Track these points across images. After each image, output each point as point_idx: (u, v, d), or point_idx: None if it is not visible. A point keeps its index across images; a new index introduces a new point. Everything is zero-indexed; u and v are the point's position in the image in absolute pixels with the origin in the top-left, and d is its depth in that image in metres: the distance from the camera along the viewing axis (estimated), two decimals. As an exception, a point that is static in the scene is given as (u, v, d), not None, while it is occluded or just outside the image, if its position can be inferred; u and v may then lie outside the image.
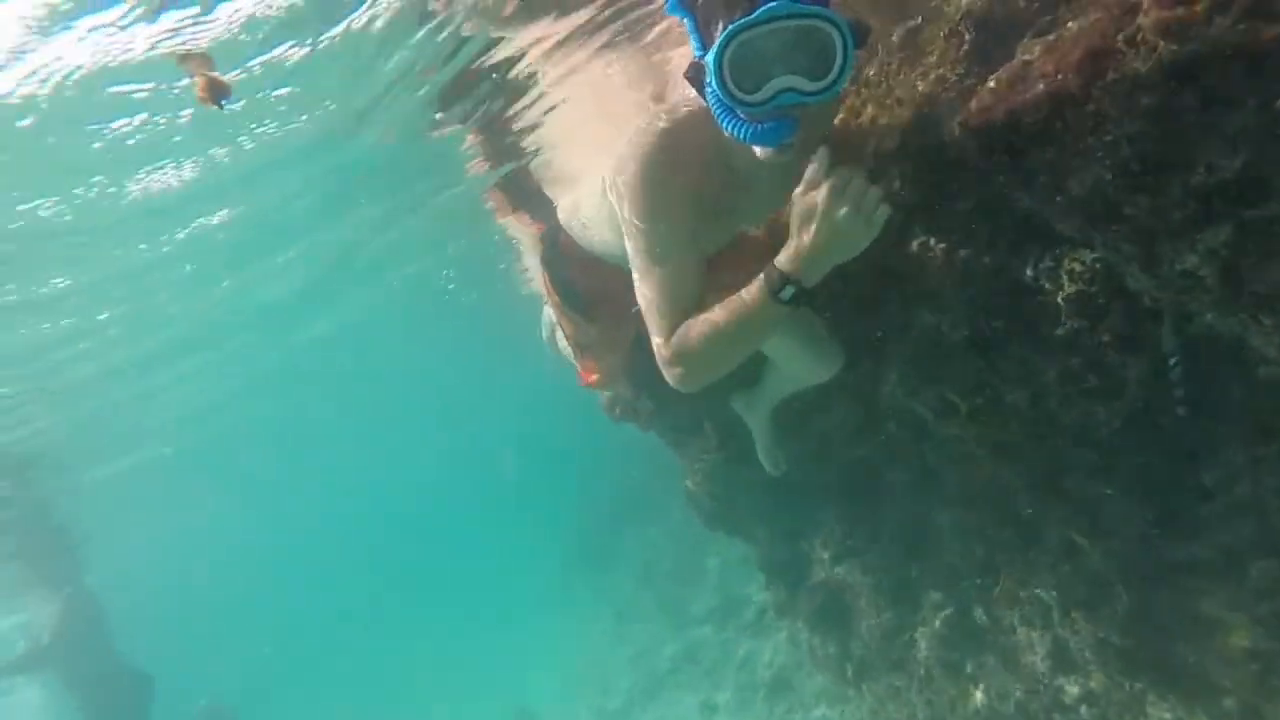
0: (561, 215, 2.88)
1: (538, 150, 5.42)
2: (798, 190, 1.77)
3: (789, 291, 1.77)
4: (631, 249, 2.02)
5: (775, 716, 6.11)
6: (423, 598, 22.13)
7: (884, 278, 2.66)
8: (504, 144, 5.26)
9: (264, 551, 28.77)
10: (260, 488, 22.06)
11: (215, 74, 2.96)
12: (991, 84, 1.66)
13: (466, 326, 15.17)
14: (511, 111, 4.64)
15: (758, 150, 1.73)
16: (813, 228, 1.71)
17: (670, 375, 2.04)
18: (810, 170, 1.74)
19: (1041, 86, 1.51)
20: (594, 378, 3.28)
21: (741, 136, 1.64)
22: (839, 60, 1.51)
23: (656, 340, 2.02)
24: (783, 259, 1.78)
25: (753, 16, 1.46)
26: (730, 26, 1.48)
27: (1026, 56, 1.63)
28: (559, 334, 3.89)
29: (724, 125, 1.65)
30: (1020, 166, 1.69)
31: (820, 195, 1.70)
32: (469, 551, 22.41)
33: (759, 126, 1.61)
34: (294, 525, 28.39)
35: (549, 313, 4.23)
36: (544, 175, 6.02)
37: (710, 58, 1.54)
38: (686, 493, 4.64)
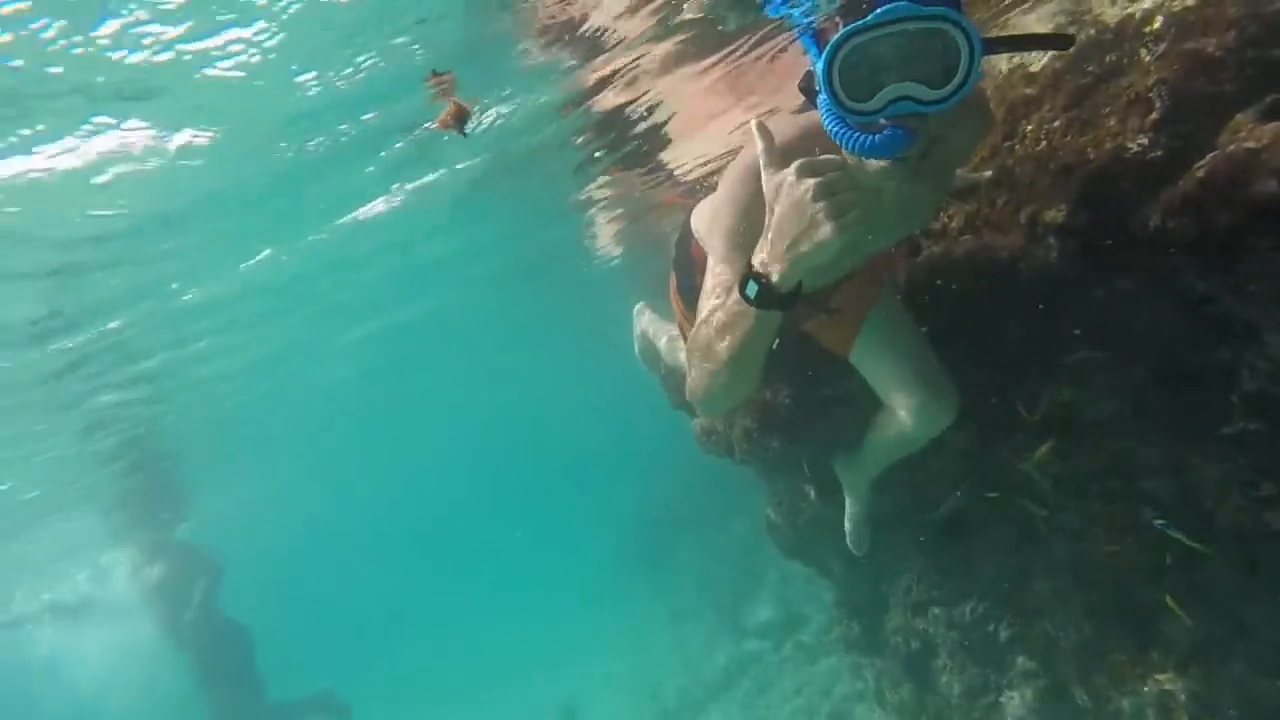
0: (694, 219, 2.78)
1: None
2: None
3: (753, 288, 1.55)
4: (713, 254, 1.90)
5: (832, 748, 5.99)
6: (478, 589, 22.44)
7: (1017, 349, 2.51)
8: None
9: (336, 531, 29.51)
10: (340, 465, 22.55)
11: (460, 100, 3.01)
12: (1202, 175, 1.50)
13: (548, 319, 15.23)
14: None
15: (869, 165, 1.56)
16: (778, 211, 1.50)
17: (691, 397, 1.97)
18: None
19: (1275, 186, 1.35)
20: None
21: (851, 148, 1.48)
22: (963, 67, 1.37)
23: None
24: (756, 251, 1.59)
25: (869, 19, 1.34)
26: (845, 29, 1.37)
27: (1249, 143, 1.46)
28: (665, 342, 3.80)
29: (834, 135, 1.50)
30: (1227, 268, 1.53)
31: (787, 175, 1.49)
32: (528, 546, 22.59)
33: (871, 138, 1.46)
34: (368, 509, 29.07)
35: (644, 324, 4.13)
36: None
37: (821, 62, 1.43)
38: (767, 520, 4.55)
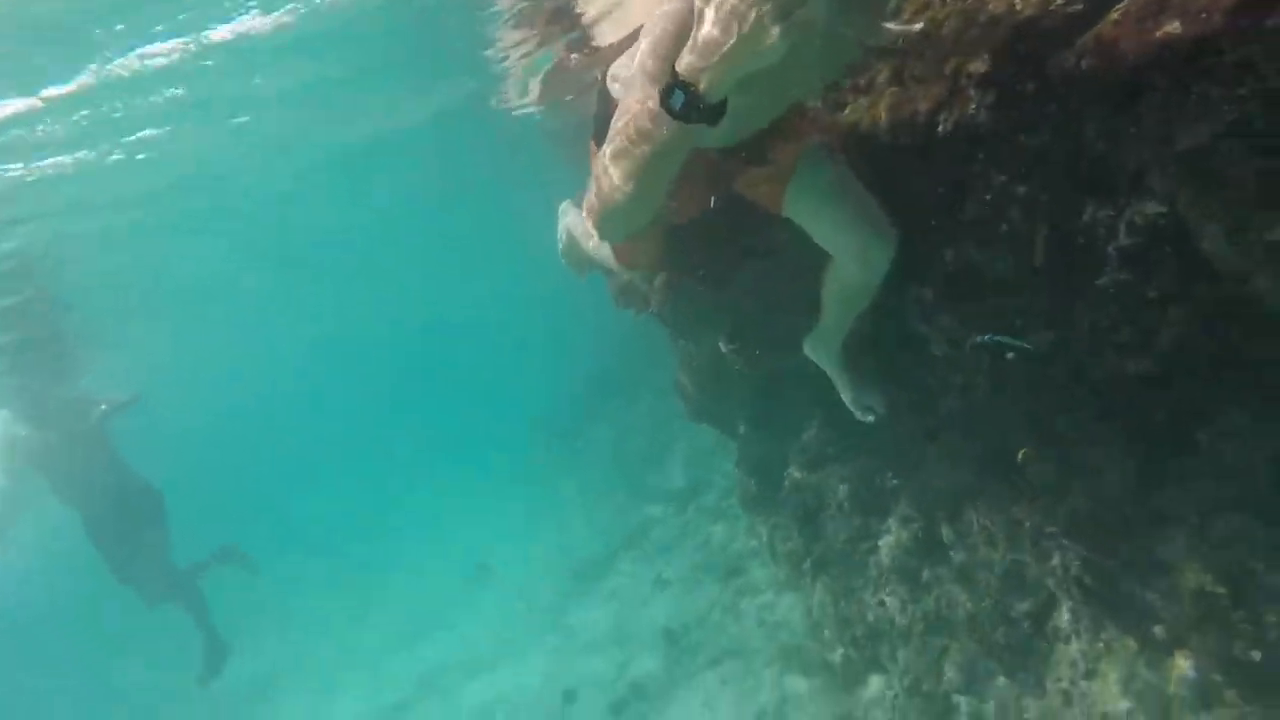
0: (612, 71, 2.65)
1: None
2: None
3: (678, 98, 1.47)
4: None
5: (725, 596, 6.51)
6: (393, 461, 22.55)
7: (929, 203, 2.62)
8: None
9: (250, 393, 28.62)
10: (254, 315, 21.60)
11: None
12: (1116, 16, 1.58)
13: (464, 185, 14.59)
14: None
15: None
16: (712, 14, 1.39)
17: (589, 216, 1.89)
18: None
19: (1179, 26, 1.43)
20: (627, 255, 3.01)
21: None
22: None
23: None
24: (680, 57, 1.48)
25: None
26: None
27: (1161, -12, 1.53)
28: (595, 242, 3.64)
29: None
30: (1128, 109, 1.64)
31: None
32: (443, 416, 22.67)
33: None
34: (284, 375, 28.20)
35: (568, 222, 3.92)
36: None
37: None
38: (676, 384, 4.72)
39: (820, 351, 3.05)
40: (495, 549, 11.50)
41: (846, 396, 3.13)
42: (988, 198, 2.30)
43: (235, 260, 12.32)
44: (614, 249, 2.90)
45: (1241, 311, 2.12)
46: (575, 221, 3.81)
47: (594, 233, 3.39)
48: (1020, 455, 2.98)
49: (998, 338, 2.57)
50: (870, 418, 3.12)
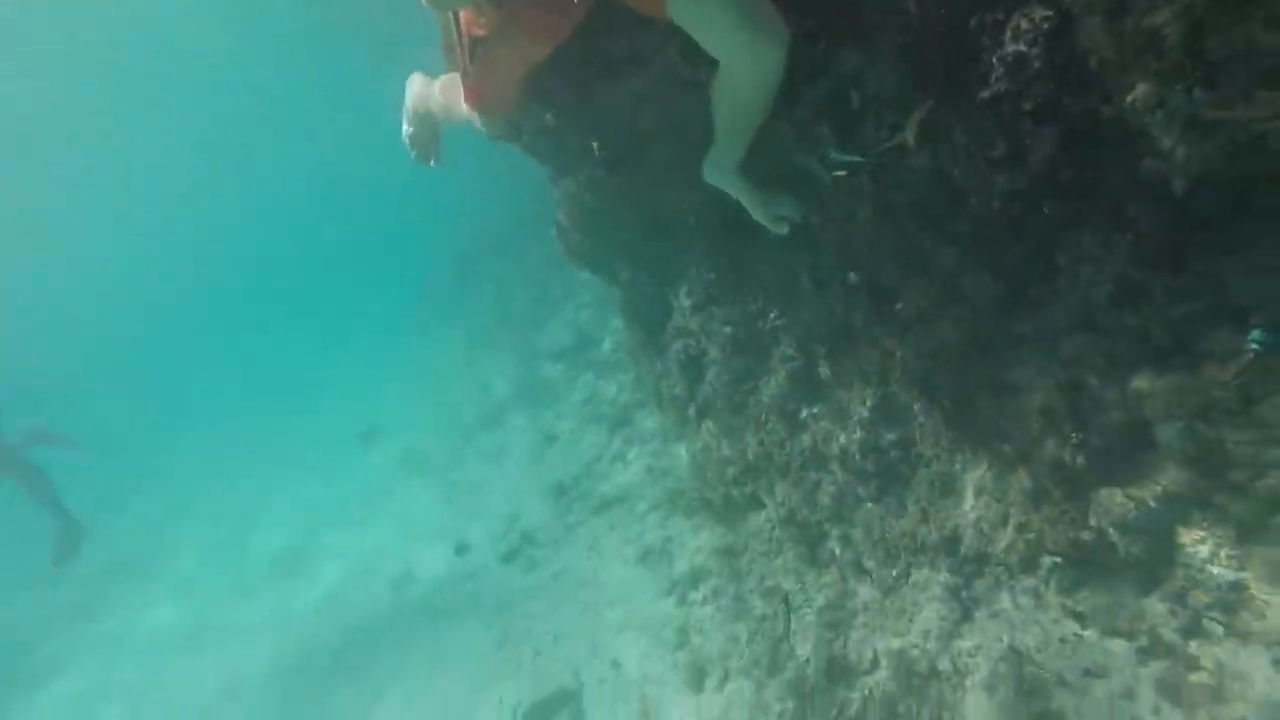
0: None
1: None
2: None
3: None
4: None
5: (612, 446, 6.64)
6: (279, 320, 21.50)
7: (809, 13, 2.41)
8: None
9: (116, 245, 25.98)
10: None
11: None
12: None
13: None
14: None
15: None
16: None
17: None
18: None
19: None
20: (483, 94, 2.70)
21: None
22: None
23: None
24: None
25: None
26: None
27: None
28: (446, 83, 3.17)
29: None
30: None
31: None
32: (329, 278, 21.67)
33: None
34: (145, 221, 25.56)
35: (416, 89, 3.35)
36: None
37: None
38: (557, 227, 4.48)
39: (720, 175, 2.83)
40: (383, 411, 11.28)
41: (756, 213, 2.93)
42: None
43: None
44: (467, 91, 2.56)
45: (1105, 132, 2.10)
46: (422, 90, 3.30)
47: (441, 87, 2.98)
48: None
49: (840, 156, 2.47)
50: (784, 229, 2.96)
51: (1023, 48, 2.02)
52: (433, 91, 3.19)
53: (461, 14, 2.31)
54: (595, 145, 3.25)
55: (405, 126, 3.36)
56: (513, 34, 2.33)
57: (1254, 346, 1.98)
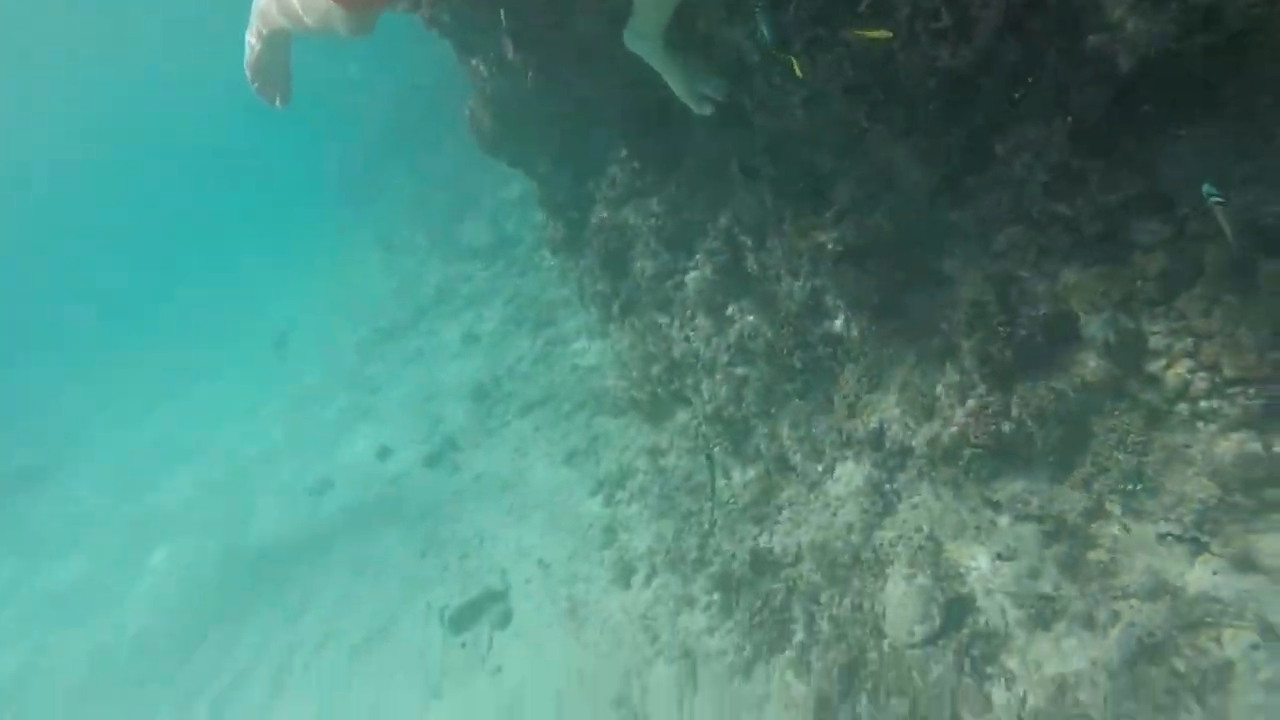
0: None
1: None
2: None
3: None
4: None
5: (536, 346, 6.46)
6: (181, 234, 19.99)
7: None
8: None
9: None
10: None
11: None
12: None
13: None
14: None
15: None
16: None
17: None
18: None
19: None
20: None
21: None
22: None
23: None
24: None
25: None
26: None
27: None
28: None
29: None
30: None
31: None
32: (238, 179, 20.11)
33: None
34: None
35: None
36: None
37: None
38: (469, 114, 4.11)
39: (640, 41, 2.57)
40: (297, 318, 10.70)
41: (679, 89, 2.69)
42: None
43: None
44: None
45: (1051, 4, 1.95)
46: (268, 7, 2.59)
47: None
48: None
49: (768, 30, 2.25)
50: (708, 109, 2.73)
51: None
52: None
53: None
54: (502, 13, 2.88)
55: (248, 54, 2.68)
56: None
57: (1217, 199, 1.93)
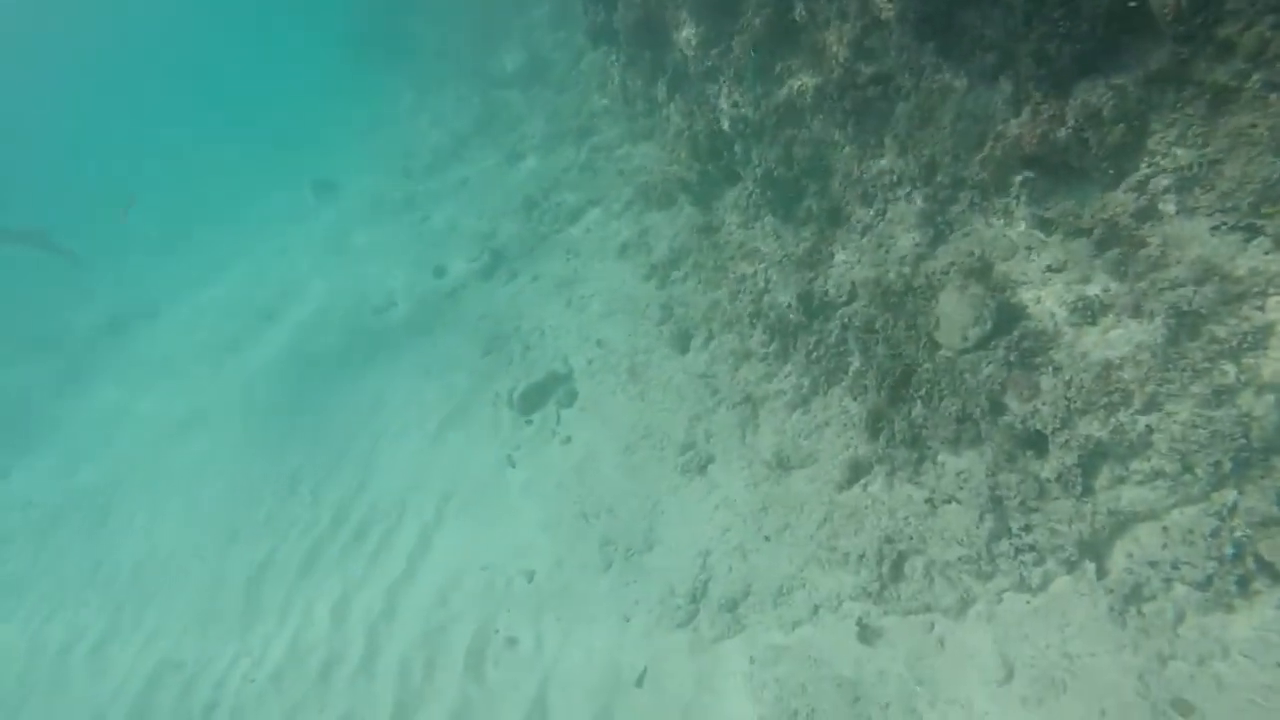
0: None
1: None
2: None
3: None
4: None
5: (580, 156, 6.46)
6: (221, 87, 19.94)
7: None
8: None
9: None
10: None
11: None
12: None
13: None
14: None
15: None
16: None
17: None
18: None
19: None
20: None
21: None
22: None
23: None
24: None
25: None
26: None
27: None
28: None
29: None
30: None
31: None
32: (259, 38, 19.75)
33: None
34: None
35: None
36: None
37: None
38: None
39: None
40: (338, 166, 10.78)
41: None
42: None
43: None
44: None
45: None
46: None
47: None
48: None
49: None
50: None
51: None
52: None
53: None
54: None
55: None
56: None
57: None
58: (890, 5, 3.12)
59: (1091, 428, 2.67)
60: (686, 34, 4.17)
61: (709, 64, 4.20)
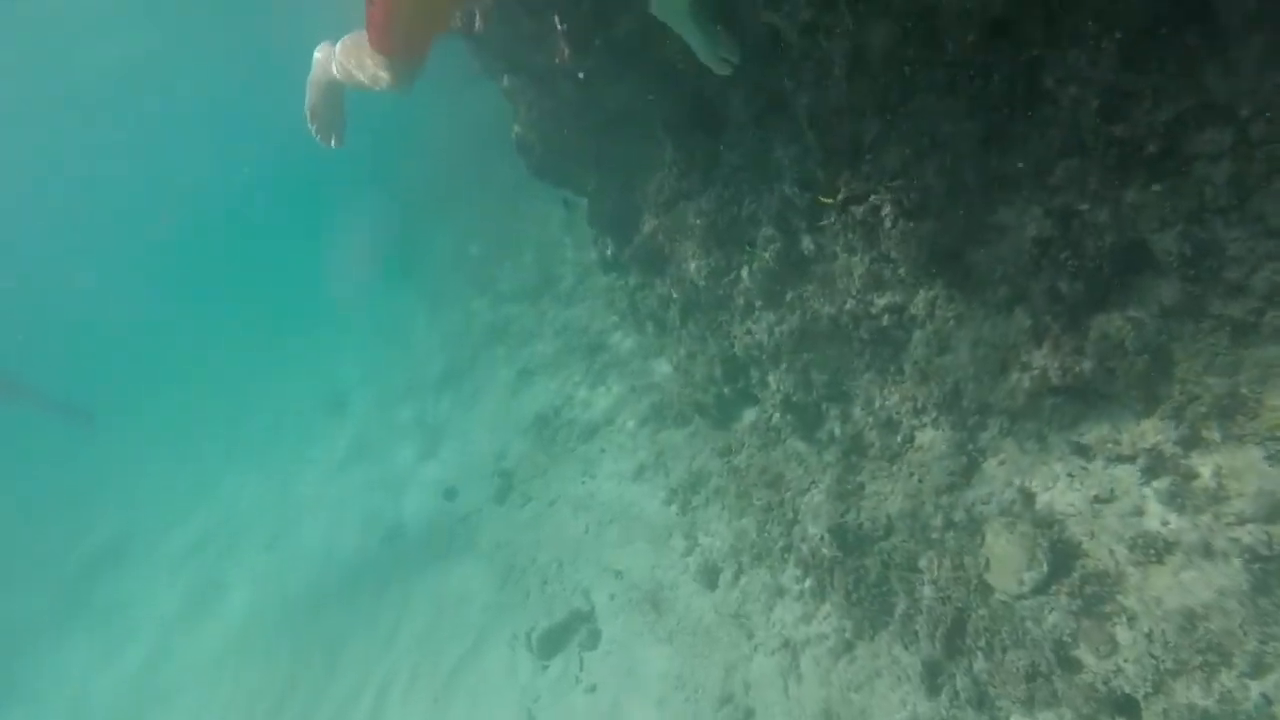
0: None
1: None
2: None
3: None
4: None
5: (592, 371, 6.54)
6: (238, 294, 21.03)
7: None
8: None
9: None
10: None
11: None
12: None
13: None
14: None
15: None
16: None
17: None
18: None
19: None
20: (387, 39, 2.26)
21: None
22: None
23: None
24: None
25: None
26: None
27: None
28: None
29: None
30: None
31: None
32: (279, 249, 21.13)
33: None
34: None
35: (322, 57, 2.98)
36: None
37: None
38: (515, 138, 4.30)
39: (667, 12, 2.82)
40: (350, 380, 11.02)
41: (701, 53, 2.98)
42: None
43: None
44: (371, 30, 2.23)
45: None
46: (325, 57, 2.97)
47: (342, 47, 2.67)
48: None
49: None
50: (727, 70, 3.03)
51: None
52: (334, 54, 2.88)
53: None
54: (556, 18, 3.07)
55: (308, 99, 3.08)
56: None
57: None
58: (895, 245, 3.21)
59: (1192, 694, 2.38)
60: (696, 265, 4.31)
61: (720, 292, 4.31)
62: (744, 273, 4.08)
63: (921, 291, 3.35)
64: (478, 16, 3.16)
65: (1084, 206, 2.71)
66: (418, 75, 2.56)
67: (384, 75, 2.45)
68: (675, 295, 4.57)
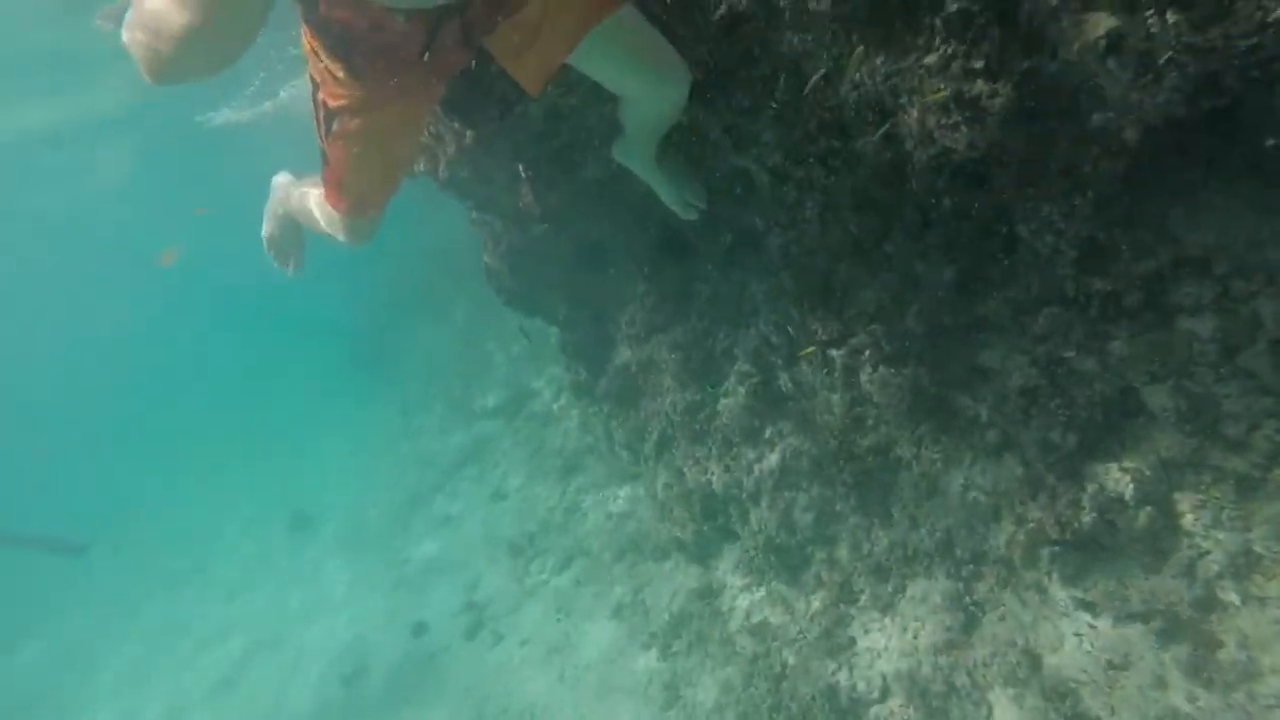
0: None
1: None
2: None
3: None
4: None
5: (566, 498, 6.28)
6: (201, 406, 20.58)
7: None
8: None
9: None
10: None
11: None
12: None
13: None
14: None
15: None
16: None
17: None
18: None
19: None
20: (342, 200, 2.17)
21: None
22: None
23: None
24: None
25: None
26: None
27: None
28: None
29: None
30: None
31: None
32: (248, 361, 20.91)
33: None
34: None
35: (281, 190, 2.85)
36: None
37: None
38: (485, 269, 4.21)
39: (630, 158, 2.71)
40: (317, 495, 10.58)
41: (666, 196, 2.85)
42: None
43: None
44: (328, 190, 2.16)
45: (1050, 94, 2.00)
46: (285, 190, 2.87)
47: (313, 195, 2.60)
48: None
49: None
50: (693, 215, 2.89)
51: (965, 5, 1.91)
52: (296, 194, 2.77)
53: (315, 74, 1.81)
54: (520, 167, 3.02)
55: (265, 228, 2.94)
56: (377, 124, 1.89)
57: None
58: (877, 388, 3.08)
59: None
60: (672, 399, 4.17)
61: (697, 427, 4.14)
62: (720, 407, 3.93)
63: (907, 432, 3.20)
64: (442, 163, 3.11)
65: (1069, 354, 2.63)
66: (375, 230, 2.45)
67: (339, 232, 2.34)
68: (651, 428, 4.40)
